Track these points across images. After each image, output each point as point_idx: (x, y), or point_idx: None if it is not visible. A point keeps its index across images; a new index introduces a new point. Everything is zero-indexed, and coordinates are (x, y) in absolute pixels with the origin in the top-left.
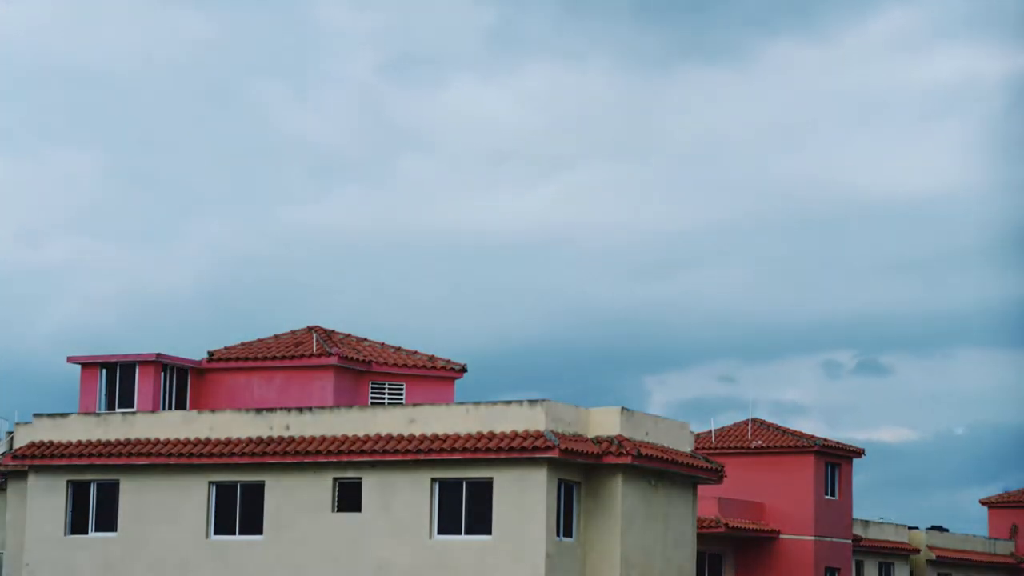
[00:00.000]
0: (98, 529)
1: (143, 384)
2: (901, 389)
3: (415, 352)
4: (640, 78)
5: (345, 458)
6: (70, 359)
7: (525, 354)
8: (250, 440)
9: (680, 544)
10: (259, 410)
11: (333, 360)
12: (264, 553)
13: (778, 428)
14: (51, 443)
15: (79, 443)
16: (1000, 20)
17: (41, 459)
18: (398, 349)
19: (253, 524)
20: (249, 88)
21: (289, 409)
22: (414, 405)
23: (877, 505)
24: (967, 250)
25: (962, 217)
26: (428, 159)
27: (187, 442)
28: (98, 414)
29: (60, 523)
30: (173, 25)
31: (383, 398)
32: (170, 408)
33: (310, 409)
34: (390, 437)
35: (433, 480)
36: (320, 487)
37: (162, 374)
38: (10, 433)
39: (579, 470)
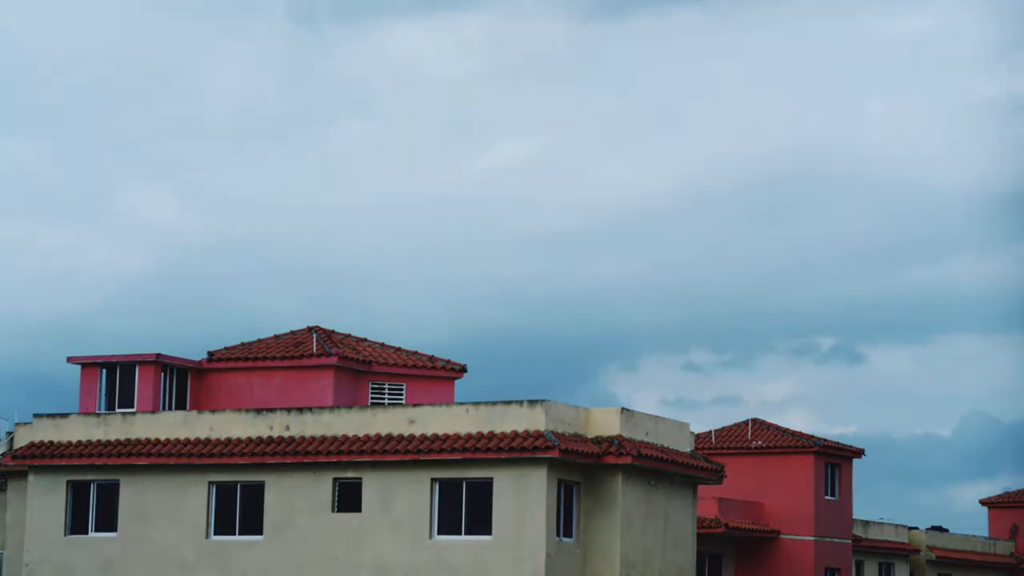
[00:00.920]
0: (98, 529)
1: (143, 384)
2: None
3: (415, 352)
4: (589, 25)
5: (345, 458)
6: (70, 359)
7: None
8: (250, 440)
9: (680, 544)
10: (259, 410)
11: (333, 360)
12: (264, 553)
13: (778, 428)
14: (51, 443)
15: (79, 443)
16: None
17: (41, 459)
18: (398, 349)
19: (253, 524)
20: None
21: (289, 409)
22: (414, 405)
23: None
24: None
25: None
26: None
27: (187, 442)
28: (98, 414)
29: (60, 523)
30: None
31: (383, 398)
32: (170, 408)
33: (310, 409)
34: (390, 437)
35: (433, 480)
36: (320, 487)
37: (162, 374)
38: (10, 433)
39: (579, 470)
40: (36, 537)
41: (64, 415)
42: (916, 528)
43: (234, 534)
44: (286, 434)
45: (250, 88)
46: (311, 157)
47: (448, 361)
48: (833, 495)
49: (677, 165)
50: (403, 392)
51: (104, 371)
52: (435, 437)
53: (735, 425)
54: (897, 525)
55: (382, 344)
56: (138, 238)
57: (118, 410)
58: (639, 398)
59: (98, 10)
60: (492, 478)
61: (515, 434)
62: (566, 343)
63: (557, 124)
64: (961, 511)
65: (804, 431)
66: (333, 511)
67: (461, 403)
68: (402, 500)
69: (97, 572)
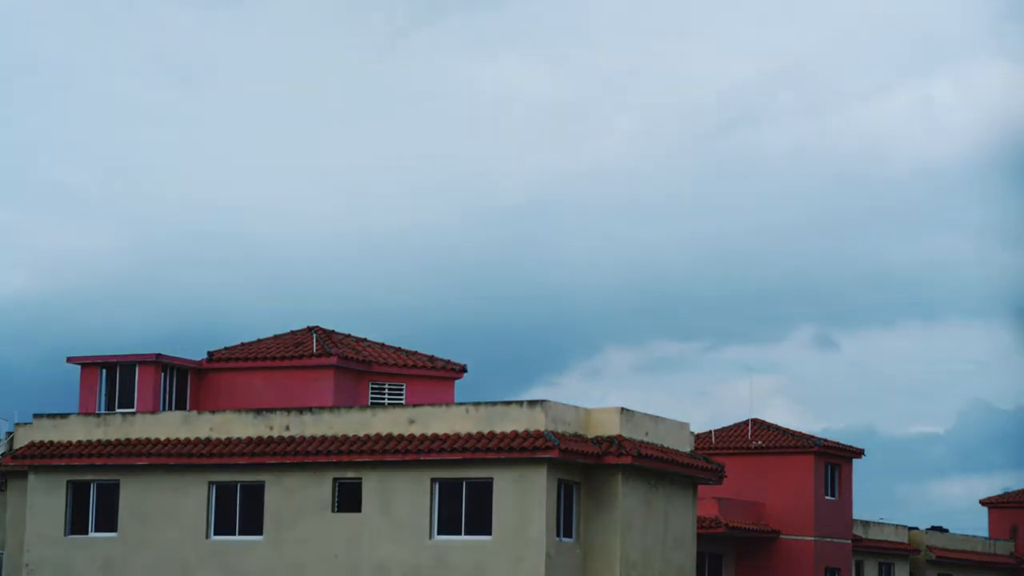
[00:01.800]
0: (98, 529)
1: (143, 384)
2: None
3: (415, 352)
4: None
5: (345, 458)
6: (70, 359)
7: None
8: (250, 440)
9: (680, 544)
10: (259, 410)
11: (333, 360)
12: (264, 553)
13: (778, 428)
14: (51, 443)
15: (79, 443)
16: None
17: (41, 459)
18: (398, 349)
19: (253, 524)
20: None
21: (289, 409)
22: (414, 405)
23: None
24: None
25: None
26: None
27: (187, 442)
28: (98, 414)
29: (60, 523)
30: None
31: (383, 398)
32: (170, 408)
33: (310, 409)
34: (390, 437)
35: (433, 480)
36: (320, 487)
37: (162, 374)
38: (10, 433)
39: (579, 470)
40: (36, 537)
41: (64, 415)
42: (916, 528)
43: (234, 534)
44: (286, 434)
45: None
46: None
47: (448, 361)
48: (833, 495)
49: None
50: (403, 392)
51: (104, 371)
52: (435, 437)
53: (735, 425)
54: (897, 525)
55: (382, 344)
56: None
57: (118, 410)
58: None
59: None
60: (492, 478)
61: (515, 434)
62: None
63: None
64: (956, 508)
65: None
66: (333, 511)
67: (461, 403)
68: (402, 500)
69: (97, 572)
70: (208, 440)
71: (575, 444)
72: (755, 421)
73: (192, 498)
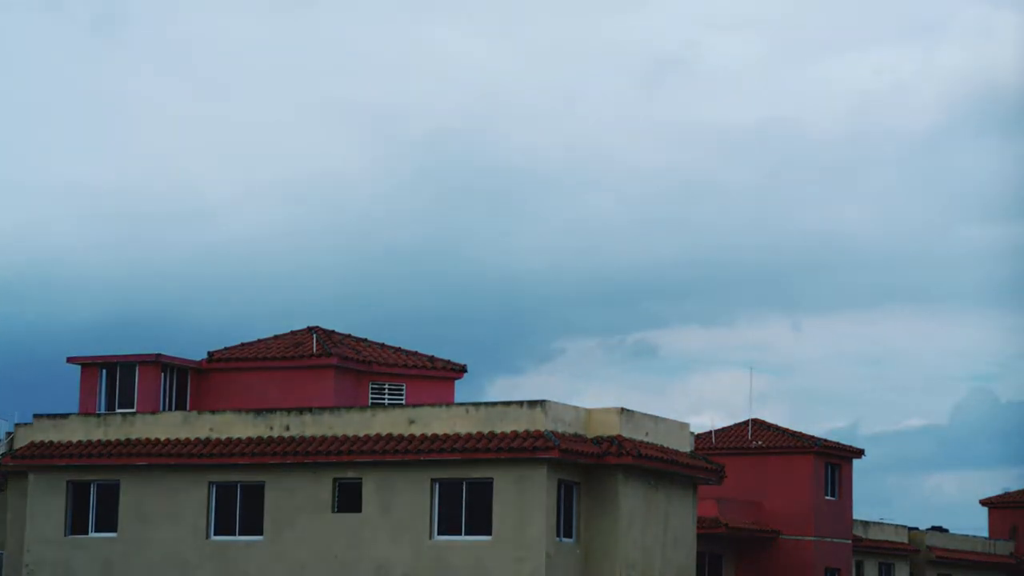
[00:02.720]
0: (98, 529)
1: (143, 384)
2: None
3: (415, 352)
4: None
5: (345, 458)
6: (70, 359)
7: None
8: (250, 440)
9: (680, 544)
10: (259, 410)
11: (333, 360)
12: (264, 553)
13: (778, 428)
14: (51, 443)
15: (79, 443)
16: None
17: (41, 459)
18: (398, 349)
19: (253, 524)
20: None
21: (289, 409)
22: (414, 405)
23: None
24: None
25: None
26: None
27: (187, 442)
28: (98, 414)
29: (60, 523)
30: None
31: (383, 398)
32: (170, 408)
33: (310, 409)
34: (390, 437)
35: (433, 480)
36: (320, 487)
37: (162, 374)
38: (10, 433)
39: (579, 470)
40: (36, 537)
41: (64, 415)
42: (916, 528)
43: (234, 534)
44: (286, 434)
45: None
46: None
47: (448, 361)
48: (833, 495)
49: None
50: (403, 392)
51: (104, 371)
52: (435, 437)
53: (735, 425)
54: (897, 525)
55: (382, 344)
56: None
57: (118, 410)
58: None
59: None
60: (492, 478)
61: (515, 434)
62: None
63: None
64: (952, 504)
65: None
66: (333, 511)
67: (461, 403)
68: (402, 500)
69: (97, 572)
70: (208, 440)
71: (575, 444)
72: (755, 421)
73: (192, 498)
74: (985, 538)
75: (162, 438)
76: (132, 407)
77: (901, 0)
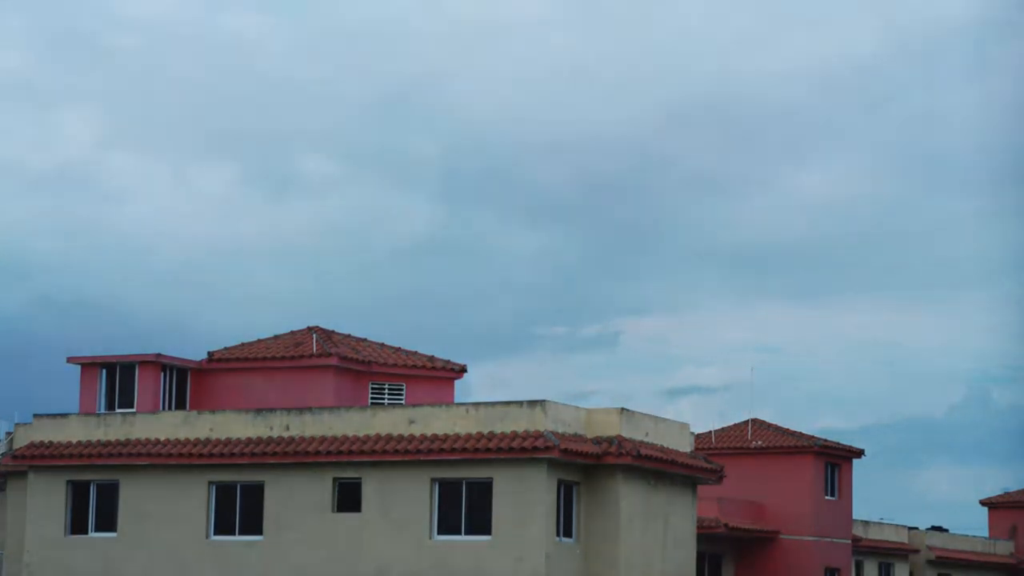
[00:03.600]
0: (98, 529)
1: (143, 384)
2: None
3: (415, 352)
4: None
5: (345, 458)
6: (70, 359)
7: None
8: (250, 440)
9: (680, 544)
10: (259, 410)
11: (333, 360)
12: (264, 553)
13: (778, 428)
14: (51, 443)
15: (79, 443)
16: None
17: (41, 459)
18: (398, 349)
19: (253, 524)
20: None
21: (289, 409)
22: (414, 405)
23: None
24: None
25: None
26: None
27: (187, 442)
28: (98, 414)
29: (60, 523)
30: None
31: (383, 398)
32: (170, 408)
33: (310, 409)
34: (390, 437)
35: (433, 480)
36: (320, 487)
37: (162, 374)
38: (10, 433)
39: (579, 470)
40: (36, 537)
41: (64, 415)
42: (916, 528)
43: (234, 534)
44: (286, 434)
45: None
46: None
47: (448, 361)
48: (833, 495)
49: None
50: (403, 392)
51: (104, 371)
52: (435, 437)
53: (735, 425)
54: (897, 525)
55: (382, 344)
56: None
57: (118, 410)
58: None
59: None
60: (492, 478)
61: (515, 434)
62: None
63: None
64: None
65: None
66: (333, 511)
67: (461, 403)
68: (402, 500)
69: (97, 572)
70: (208, 440)
71: (575, 444)
72: (755, 421)
73: (192, 498)
74: (985, 538)
75: (162, 438)
76: (132, 407)
77: None
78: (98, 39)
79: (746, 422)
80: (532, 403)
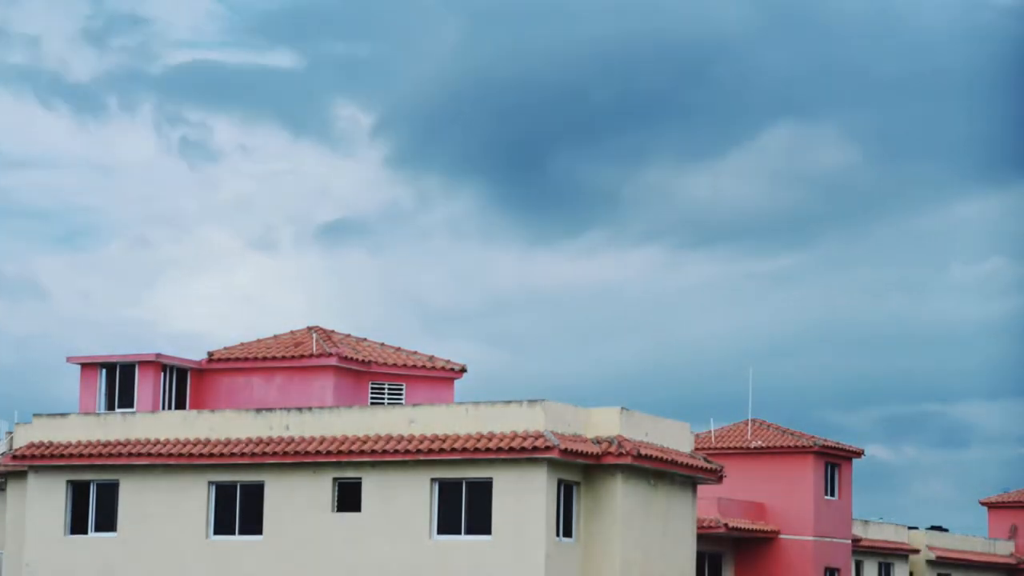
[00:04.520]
0: (98, 529)
1: (143, 384)
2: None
3: (415, 352)
4: None
5: (345, 458)
6: (70, 359)
7: None
8: (250, 440)
9: (680, 544)
10: (259, 410)
11: (333, 360)
12: (264, 553)
13: (778, 428)
14: (51, 443)
15: (79, 443)
16: None
17: (41, 459)
18: (398, 349)
19: (253, 524)
20: None
21: (289, 409)
22: (414, 405)
23: None
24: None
25: None
26: None
27: (187, 442)
28: (98, 414)
29: (60, 523)
30: None
31: (383, 398)
32: (170, 408)
33: (310, 409)
34: (390, 437)
35: (433, 480)
36: (320, 487)
37: (162, 374)
38: (10, 433)
39: (579, 470)
40: (36, 537)
41: (64, 415)
42: (916, 528)
43: (234, 534)
44: (286, 434)
45: None
46: None
47: (448, 361)
48: (833, 495)
49: None
50: (403, 392)
51: (104, 371)
52: (435, 437)
53: (735, 425)
54: (897, 525)
55: (382, 344)
56: None
57: (118, 410)
58: None
59: None
60: (492, 478)
61: (515, 434)
62: None
63: None
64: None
65: None
66: (333, 511)
67: (461, 403)
68: (402, 500)
69: (97, 572)
70: (208, 440)
71: (575, 444)
72: (755, 421)
73: (192, 498)
74: (985, 538)
75: (162, 438)
76: (132, 407)
77: None
78: None
79: (746, 422)
80: (532, 403)
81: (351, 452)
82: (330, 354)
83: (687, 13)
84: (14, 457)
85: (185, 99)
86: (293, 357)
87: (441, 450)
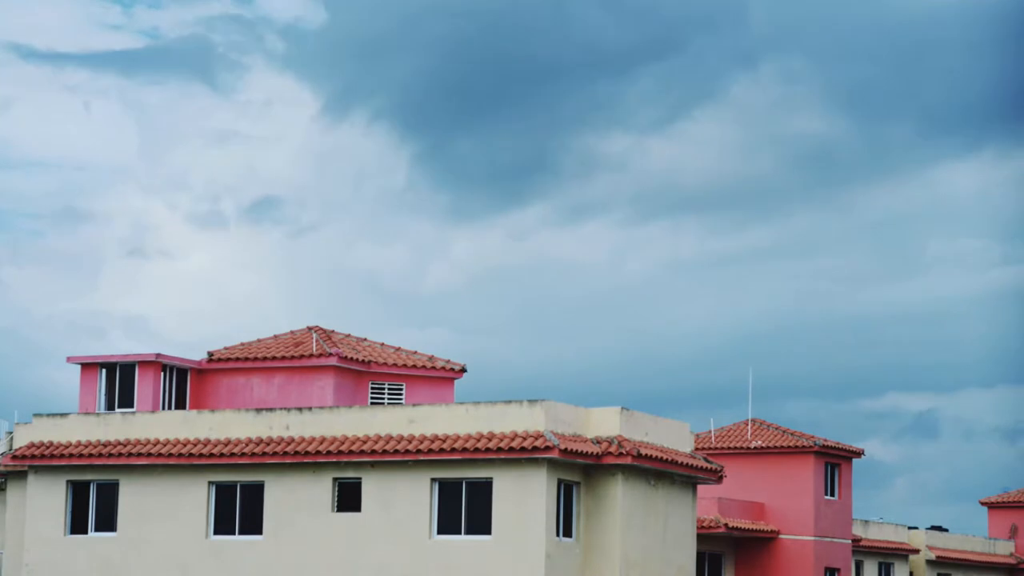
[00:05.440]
0: (98, 529)
1: (143, 384)
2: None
3: (415, 352)
4: None
5: (345, 458)
6: (70, 359)
7: None
8: (250, 440)
9: (680, 544)
10: (259, 410)
11: (333, 360)
12: (264, 553)
13: (778, 428)
14: (51, 443)
15: (79, 443)
16: None
17: (41, 459)
18: (398, 349)
19: (253, 524)
20: None
21: (289, 409)
22: (414, 405)
23: None
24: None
25: None
26: None
27: (187, 442)
28: (98, 414)
29: (60, 523)
30: None
31: (383, 398)
32: (170, 408)
33: (310, 409)
34: (390, 437)
35: (433, 480)
36: (320, 487)
37: (162, 374)
38: (10, 433)
39: (579, 470)
40: (36, 537)
41: (64, 415)
42: (916, 528)
43: (234, 534)
44: (286, 434)
45: None
46: None
47: (448, 361)
48: (833, 495)
49: None
50: (403, 392)
51: (104, 371)
52: (435, 437)
53: (735, 425)
54: (897, 525)
55: (382, 344)
56: None
57: (118, 410)
58: None
59: None
60: (492, 478)
61: (515, 434)
62: None
63: None
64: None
65: None
66: (333, 511)
67: (461, 403)
68: (402, 500)
69: (97, 572)
70: (208, 440)
71: (575, 444)
72: (755, 421)
73: (192, 498)
74: (985, 538)
75: (162, 438)
76: (132, 407)
77: None
78: None
79: (746, 422)
80: (532, 403)
81: (351, 452)
82: (330, 354)
83: None
84: (14, 457)
85: None
86: (293, 357)
87: (441, 450)
